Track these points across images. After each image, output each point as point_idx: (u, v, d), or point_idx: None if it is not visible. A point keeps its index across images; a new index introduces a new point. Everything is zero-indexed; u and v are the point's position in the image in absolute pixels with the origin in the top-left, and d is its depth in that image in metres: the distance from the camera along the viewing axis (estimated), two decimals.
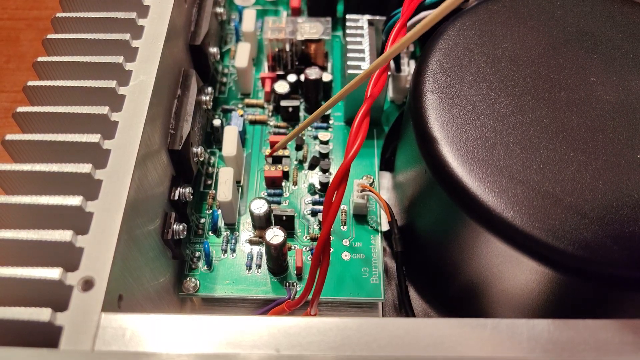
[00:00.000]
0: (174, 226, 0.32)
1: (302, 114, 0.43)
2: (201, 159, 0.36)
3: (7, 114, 0.49)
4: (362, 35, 0.41)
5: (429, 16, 0.24)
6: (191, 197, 0.34)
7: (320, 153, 0.40)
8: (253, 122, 0.42)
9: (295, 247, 0.36)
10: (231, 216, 0.37)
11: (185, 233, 0.33)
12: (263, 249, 0.36)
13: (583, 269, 0.25)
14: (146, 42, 0.31)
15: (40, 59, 0.30)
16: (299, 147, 0.40)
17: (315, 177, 0.39)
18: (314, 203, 0.38)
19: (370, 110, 0.29)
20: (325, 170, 0.39)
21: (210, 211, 0.38)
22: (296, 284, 0.35)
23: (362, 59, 0.39)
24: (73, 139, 0.26)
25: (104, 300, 0.22)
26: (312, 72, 0.41)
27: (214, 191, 0.38)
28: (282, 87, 0.42)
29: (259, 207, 0.35)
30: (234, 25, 0.48)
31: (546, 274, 0.25)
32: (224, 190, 0.35)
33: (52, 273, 0.22)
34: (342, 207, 0.38)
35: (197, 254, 0.36)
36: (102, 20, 0.32)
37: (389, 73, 0.41)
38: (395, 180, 0.38)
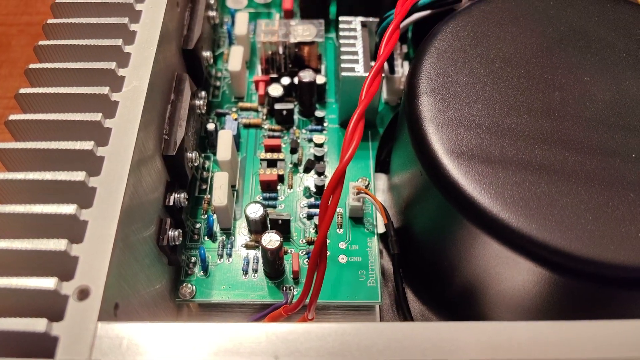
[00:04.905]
0: (170, 232, 0.32)
1: (296, 116, 0.43)
2: (196, 164, 0.36)
3: (0, 121, 0.48)
4: (355, 37, 0.41)
5: None
6: (186, 202, 0.34)
7: (315, 156, 0.40)
8: (247, 126, 0.42)
9: (291, 251, 0.36)
10: (227, 221, 0.37)
11: (180, 239, 0.32)
12: (259, 254, 0.36)
13: (580, 269, 0.25)
14: (139, 48, 0.31)
15: (31, 65, 0.30)
16: (293, 150, 0.40)
17: (310, 180, 0.39)
18: (310, 206, 0.38)
19: (364, 112, 0.29)
20: (320, 173, 0.39)
21: (206, 216, 0.37)
22: (293, 288, 0.35)
23: (356, 61, 0.39)
24: (66, 146, 0.26)
25: (100, 309, 0.22)
26: (306, 75, 0.41)
27: (209, 196, 0.38)
28: (276, 90, 0.42)
29: (255, 211, 0.35)
30: (226, 29, 0.48)
31: (543, 275, 0.25)
32: (219, 194, 0.35)
33: (47, 283, 0.22)
34: (338, 210, 0.38)
35: (193, 259, 0.36)
36: (94, 26, 0.32)
37: (383, 75, 0.41)
38: (391, 182, 0.38)
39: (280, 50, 0.42)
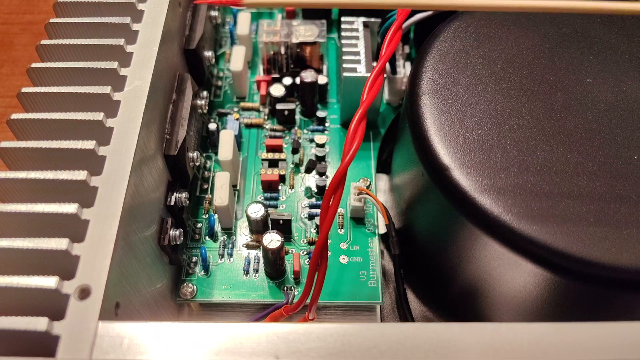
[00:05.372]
0: (171, 232, 0.32)
1: (297, 117, 0.43)
2: (197, 164, 0.36)
3: (2, 120, 0.49)
4: (357, 38, 0.41)
5: None
6: (187, 202, 0.34)
7: (316, 156, 0.40)
8: (249, 126, 0.42)
9: (292, 251, 0.36)
10: (228, 220, 0.37)
11: (182, 238, 0.32)
12: (260, 253, 0.36)
13: (581, 271, 0.25)
14: (140, 47, 0.31)
15: (34, 65, 0.30)
16: (295, 151, 0.40)
17: (312, 180, 0.39)
18: (311, 206, 0.38)
19: (366, 113, 0.29)
20: (321, 174, 0.39)
21: (207, 216, 0.37)
22: (294, 288, 0.35)
23: (358, 62, 0.39)
24: (68, 145, 0.26)
25: (100, 309, 0.22)
26: (308, 75, 0.41)
27: (210, 196, 0.38)
28: (277, 90, 0.42)
29: (256, 211, 0.35)
30: (228, 29, 0.48)
31: (545, 277, 0.25)
32: (221, 194, 0.35)
33: (49, 282, 0.22)
34: (339, 210, 0.38)
35: (194, 259, 0.36)
36: (96, 25, 0.32)
37: (385, 75, 0.41)
38: (393, 183, 0.38)
39: (282, 51, 0.42)
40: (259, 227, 0.36)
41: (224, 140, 0.38)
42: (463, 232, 0.27)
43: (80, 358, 0.21)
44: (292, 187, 0.39)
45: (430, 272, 0.34)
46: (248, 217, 0.35)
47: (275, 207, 0.38)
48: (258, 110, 0.43)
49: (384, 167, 0.41)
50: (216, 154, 0.39)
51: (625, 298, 0.25)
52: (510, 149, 0.27)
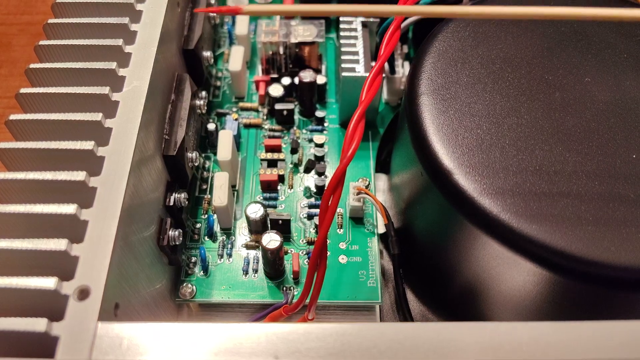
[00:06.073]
0: (170, 232, 0.32)
1: (296, 116, 0.43)
2: (196, 164, 0.36)
3: (0, 121, 0.48)
4: (356, 38, 0.41)
5: None
6: (186, 202, 0.34)
7: (315, 156, 0.40)
8: (248, 126, 0.42)
9: (291, 251, 0.36)
10: (227, 221, 0.37)
11: (181, 239, 0.32)
12: (259, 254, 0.36)
13: (580, 270, 0.25)
14: (139, 48, 0.31)
15: (32, 65, 0.30)
16: (294, 151, 0.40)
17: (311, 180, 0.39)
18: (310, 206, 0.38)
19: (365, 112, 0.29)
20: (320, 174, 0.39)
21: (206, 216, 0.37)
22: (293, 288, 0.35)
23: (357, 61, 0.39)
24: (67, 146, 0.26)
25: (100, 309, 0.22)
26: (307, 75, 0.41)
27: (209, 196, 0.38)
28: (276, 90, 0.42)
29: (255, 211, 0.35)
30: (227, 29, 0.48)
31: (544, 276, 0.25)
32: (220, 194, 0.35)
33: (48, 282, 0.22)
34: (338, 210, 0.38)
35: (193, 259, 0.36)
36: (95, 25, 0.32)
37: (384, 75, 0.41)
38: (392, 183, 0.38)
39: (281, 51, 0.42)
40: (258, 227, 0.36)
41: (222, 140, 0.38)
42: (462, 232, 0.28)
43: (80, 359, 0.21)
44: (291, 187, 0.39)
45: (429, 271, 0.34)
46: (247, 217, 0.35)
47: (275, 207, 0.38)
48: (257, 110, 0.43)
49: (383, 166, 0.41)
50: (215, 154, 0.39)
51: (624, 297, 0.25)
52: (509, 149, 0.27)
